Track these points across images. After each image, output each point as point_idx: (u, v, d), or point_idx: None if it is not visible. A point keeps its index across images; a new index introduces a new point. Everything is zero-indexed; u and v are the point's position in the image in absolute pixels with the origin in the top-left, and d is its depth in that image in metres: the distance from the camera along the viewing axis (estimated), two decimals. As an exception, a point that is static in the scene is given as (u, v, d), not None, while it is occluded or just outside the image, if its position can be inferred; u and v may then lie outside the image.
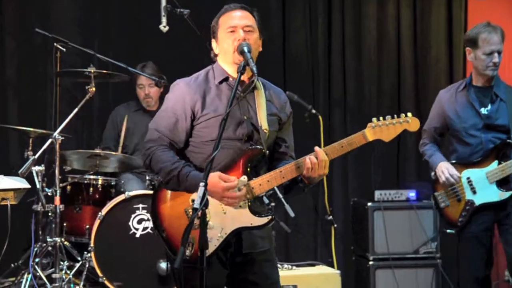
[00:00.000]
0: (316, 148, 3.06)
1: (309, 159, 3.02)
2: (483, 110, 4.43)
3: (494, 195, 4.35)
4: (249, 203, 3.05)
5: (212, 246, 3.00)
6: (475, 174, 4.39)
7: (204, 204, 2.73)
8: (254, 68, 3.01)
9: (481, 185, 4.36)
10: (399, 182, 6.40)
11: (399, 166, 6.46)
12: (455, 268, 6.26)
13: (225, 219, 3.03)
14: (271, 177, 3.06)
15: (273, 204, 5.19)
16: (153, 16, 5.18)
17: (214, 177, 2.97)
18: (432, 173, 4.56)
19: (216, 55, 3.24)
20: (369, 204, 5.66)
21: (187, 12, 5.09)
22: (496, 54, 4.35)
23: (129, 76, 5.51)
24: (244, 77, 3.13)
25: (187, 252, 2.95)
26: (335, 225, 5.93)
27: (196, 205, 2.71)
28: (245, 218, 3.04)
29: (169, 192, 3.10)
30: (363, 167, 6.39)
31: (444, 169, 4.43)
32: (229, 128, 3.08)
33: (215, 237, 3.01)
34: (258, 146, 3.10)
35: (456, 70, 6.47)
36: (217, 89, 3.17)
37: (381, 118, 3.09)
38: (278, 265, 4.99)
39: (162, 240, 3.11)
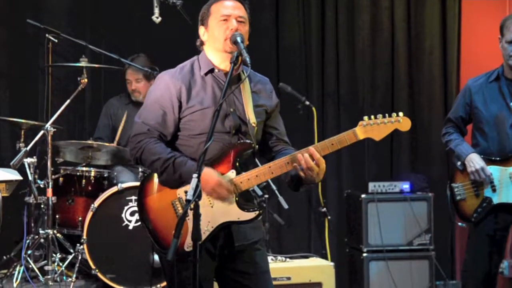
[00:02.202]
0: (311, 148, 2.99)
1: (302, 157, 2.96)
2: None
3: None
4: (236, 198, 3.01)
5: None
6: (498, 172, 4.23)
7: (198, 195, 2.69)
8: (248, 59, 2.96)
9: (502, 184, 4.20)
10: (393, 174, 6.38)
11: (393, 158, 6.43)
12: (449, 260, 6.33)
13: (212, 213, 3.00)
14: (260, 172, 3.01)
15: (266, 196, 5.21)
16: (146, 7, 5.14)
17: (209, 169, 2.95)
18: (459, 163, 4.35)
19: (202, 43, 3.18)
20: (363, 196, 5.63)
21: (180, 3, 5.07)
22: None
23: (122, 67, 5.48)
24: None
25: None
26: (329, 217, 5.93)
27: (189, 196, 2.68)
28: (233, 212, 3.01)
29: (156, 184, 3.08)
30: (357, 159, 6.37)
31: (476, 163, 4.24)
32: (217, 121, 3.01)
33: (202, 230, 2.96)
34: (247, 140, 3.06)
35: (449, 61, 6.45)
36: (203, 81, 3.12)
37: (372, 116, 3.03)
38: (272, 257, 5.00)
39: (148, 232, 3.09)
